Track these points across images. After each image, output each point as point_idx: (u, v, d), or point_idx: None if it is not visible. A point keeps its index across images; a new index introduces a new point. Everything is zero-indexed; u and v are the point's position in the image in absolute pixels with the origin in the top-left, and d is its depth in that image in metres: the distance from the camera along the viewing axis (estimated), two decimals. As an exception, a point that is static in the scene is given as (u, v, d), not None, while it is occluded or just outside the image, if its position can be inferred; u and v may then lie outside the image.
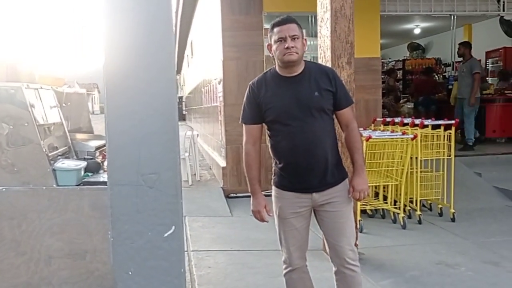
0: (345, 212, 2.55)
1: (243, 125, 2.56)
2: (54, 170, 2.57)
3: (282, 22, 2.45)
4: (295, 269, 2.59)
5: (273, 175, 2.60)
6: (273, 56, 2.50)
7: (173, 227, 2.00)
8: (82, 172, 2.76)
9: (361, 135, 3.06)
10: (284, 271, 2.63)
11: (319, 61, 4.15)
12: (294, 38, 2.39)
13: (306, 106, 2.42)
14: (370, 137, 4.73)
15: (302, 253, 2.60)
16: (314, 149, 2.43)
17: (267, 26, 6.71)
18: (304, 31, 2.52)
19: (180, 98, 24.38)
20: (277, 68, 2.51)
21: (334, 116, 2.56)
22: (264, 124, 2.56)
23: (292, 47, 2.37)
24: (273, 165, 2.58)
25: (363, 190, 2.50)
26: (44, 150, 2.55)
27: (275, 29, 2.44)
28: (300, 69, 2.47)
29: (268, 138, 2.55)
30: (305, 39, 2.50)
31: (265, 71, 2.63)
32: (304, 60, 2.53)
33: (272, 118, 2.46)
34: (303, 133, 2.42)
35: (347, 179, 2.59)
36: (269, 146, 2.55)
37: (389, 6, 7.04)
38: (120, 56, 1.95)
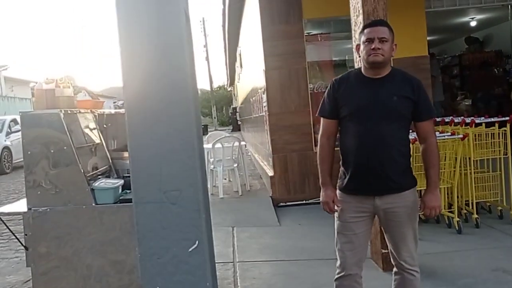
0: (408, 222, 2.53)
1: (321, 118, 2.63)
2: (92, 189, 2.71)
3: (373, 24, 2.52)
4: (348, 275, 2.57)
5: (338, 178, 2.63)
6: (359, 56, 2.55)
7: (197, 242, 2.04)
8: (120, 190, 2.88)
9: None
10: (336, 276, 2.62)
11: (355, 65, 4.08)
12: (382, 41, 2.42)
13: (381, 108, 2.43)
14: (415, 140, 4.56)
15: (358, 260, 2.59)
16: (379, 152, 2.43)
17: (307, 33, 6.71)
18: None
19: (234, 109, 24.77)
20: (362, 69, 2.55)
21: (410, 125, 2.55)
22: None
23: (379, 48, 2.40)
24: (340, 166, 2.61)
25: (434, 207, 2.48)
26: (82, 171, 2.70)
27: (365, 30, 2.49)
28: (384, 72, 2.50)
29: (339, 136, 2.60)
30: (395, 44, 2.52)
31: (349, 70, 2.71)
32: (392, 67, 2.55)
33: (345, 115, 2.50)
34: (372, 134, 2.42)
35: (414, 188, 2.56)
36: (339, 144, 2.59)
37: (435, 2, 6.78)
38: (139, 79, 2.03)
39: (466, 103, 9.89)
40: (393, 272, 2.68)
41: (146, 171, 2.04)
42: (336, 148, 2.63)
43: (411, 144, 4.47)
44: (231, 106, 32.53)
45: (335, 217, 2.62)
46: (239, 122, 23.83)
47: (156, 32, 2.01)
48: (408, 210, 2.50)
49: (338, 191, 2.61)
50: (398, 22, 5.73)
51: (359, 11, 3.85)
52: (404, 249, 2.54)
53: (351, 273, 2.56)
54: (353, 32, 4.07)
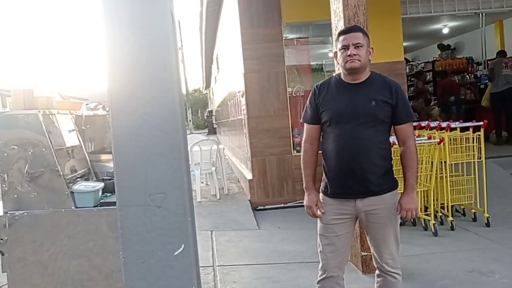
0: (389, 224, 2.56)
1: (304, 124, 2.67)
2: (72, 192, 2.64)
3: (347, 31, 2.55)
4: (330, 277, 2.59)
5: (321, 181, 2.66)
6: (338, 63, 2.59)
7: (183, 246, 2.00)
8: (100, 193, 2.82)
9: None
10: (318, 278, 2.64)
11: (336, 69, 4.12)
12: (358, 46, 2.46)
13: (360, 113, 2.47)
14: (394, 143, 4.63)
15: (340, 262, 2.61)
16: (359, 155, 2.46)
17: (286, 36, 6.74)
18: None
19: (210, 112, 24.66)
20: (341, 75, 2.59)
21: (391, 129, 2.59)
22: None
23: (355, 54, 2.44)
24: (323, 169, 2.64)
25: (411, 209, 2.52)
26: (62, 174, 2.63)
27: (340, 38, 2.53)
28: (363, 77, 2.53)
29: (321, 141, 2.63)
30: (371, 48, 2.56)
31: (330, 76, 2.74)
32: (371, 71, 2.58)
33: (325, 120, 2.54)
34: (351, 139, 2.46)
35: (396, 191, 2.59)
36: (321, 149, 2.62)
37: (411, 8, 6.93)
38: (124, 80, 1.99)
39: (439, 109, 10.08)
40: (375, 275, 2.71)
41: (130, 173, 1.99)
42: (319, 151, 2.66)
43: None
44: (207, 109, 32.41)
45: (318, 220, 2.64)
46: (215, 126, 23.72)
47: (142, 32, 1.97)
48: (389, 212, 2.53)
49: (320, 194, 2.64)
50: (376, 27, 5.85)
51: (340, 15, 3.89)
52: (386, 251, 2.58)
53: (333, 275, 2.58)
54: (333, 36, 4.10)
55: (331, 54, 7.26)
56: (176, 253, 2.00)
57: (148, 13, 1.99)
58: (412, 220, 5.20)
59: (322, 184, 2.64)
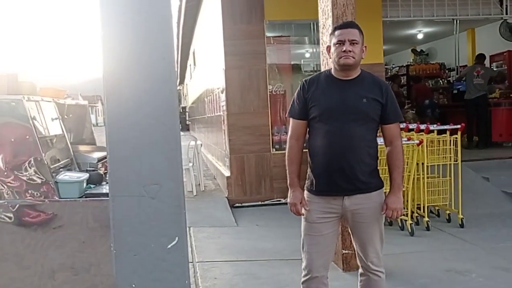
0: (375, 222, 2.55)
1: (290, 119, 2.61)
2: (56, 182, 2.54)
3: (344, 25, 2.52)
4: (315, 277, 2.54)
5: (306, 179, 2.61)
6: (330, 58, 2.55)
7: (177, 238, 1.96)
8: (85, 184, 2.73)
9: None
10: (303, 279, 2.58)
11: (322, 68, 4.13)
12: (353, 43, 2.43)
13: (351, 109, 2.44)
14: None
15: (325, 262, 2.57)
16: (348, 152, 2.43)
17: (269, 34, 6.73)
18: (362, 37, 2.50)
19: (184, 108, 24.42)
20: (332, 70, 2.55)
21: (379, 128, 2.57)
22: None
23: (350, 51, 2.41)
24: (308, 167, 2.59)
25: (397, 209, 2.51)
26: (46, 163, 2.53)
27: (336, 32, 2.48)
28: (354, 74, 2.51)
29: (308, 137, 2.59)
30: (365, 46, 2.53)
31: (320, 71, 2.70)
32: (361, 69, 2.56)
33: (315, 115, 2.49)
34: (341, 135, 2.43)
35: (382, 190, 2.57)
36: (308, 145, 2.58)
37: (391, 11, 7.03)
38: (120, 67, 1.92)
39: (413, 112, 10.28)
40: (358, 274, 2.69)
41: (124, 163, 1.93)
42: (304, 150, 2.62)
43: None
44: (180, 106, 32.12)
45: (302, 219, 2.60)
46: (188, 122, 23.53)
47: (141, 18, 1.91)
48: (375, 211, 2.53)
49: (306, 192, 2.59)
50: (358, 29, 5.91)
51: (328, 14, 3.90)
52: (372, 250, 2.56)
53: (318, 276, 2.53)
54: (320, 34, 4.11)
55: (308, 55, 7.30)
56: (169, 246, 1.96)
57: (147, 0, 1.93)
58: (389, 220, 5.27)
59: (307, 182, 2.59)
